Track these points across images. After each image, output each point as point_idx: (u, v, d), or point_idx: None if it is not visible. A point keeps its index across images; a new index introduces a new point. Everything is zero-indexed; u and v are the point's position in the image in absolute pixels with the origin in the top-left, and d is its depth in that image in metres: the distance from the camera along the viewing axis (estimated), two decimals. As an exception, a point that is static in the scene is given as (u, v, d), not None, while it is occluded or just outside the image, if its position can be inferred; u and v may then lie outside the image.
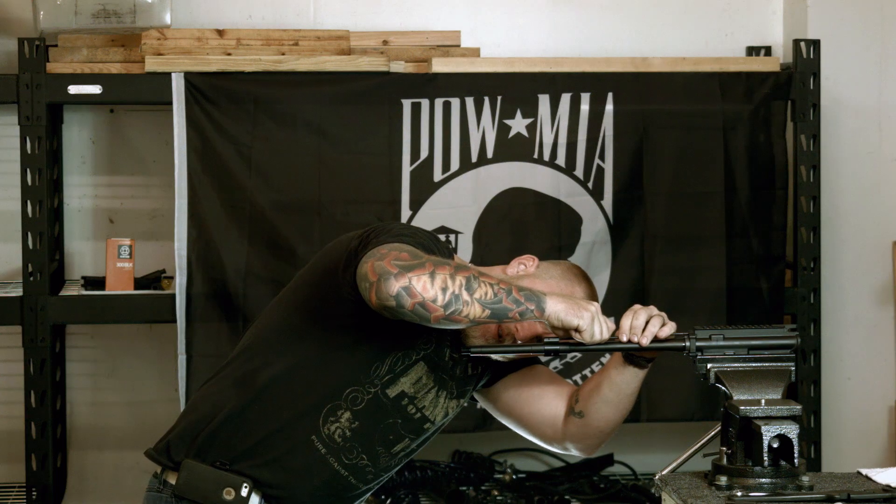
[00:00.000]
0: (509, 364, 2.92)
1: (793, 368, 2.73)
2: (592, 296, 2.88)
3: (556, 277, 2.86)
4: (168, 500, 2.74)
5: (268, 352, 2.77)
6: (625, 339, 2.73)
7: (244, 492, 2.71)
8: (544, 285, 2.81)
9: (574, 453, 2.98)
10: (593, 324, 2.67)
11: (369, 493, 2.87)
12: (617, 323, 2.76)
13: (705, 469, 2.74)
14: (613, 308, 4.40)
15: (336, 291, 2.71)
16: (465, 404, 2.95)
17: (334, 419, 2.73)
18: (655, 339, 2.73)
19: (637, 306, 2.77)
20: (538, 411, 2.94)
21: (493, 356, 2.82)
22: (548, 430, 2.95)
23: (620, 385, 2.85)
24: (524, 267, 2.86)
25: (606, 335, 2.70)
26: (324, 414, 2.73)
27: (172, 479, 2.75)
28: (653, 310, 2.76)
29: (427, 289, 2.54)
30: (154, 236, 4.59)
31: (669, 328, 2.75)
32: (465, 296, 2.57)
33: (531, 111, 4.30)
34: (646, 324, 2.74)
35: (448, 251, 2.77)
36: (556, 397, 2.94)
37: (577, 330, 2.67)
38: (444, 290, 2.55)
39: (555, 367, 4.34)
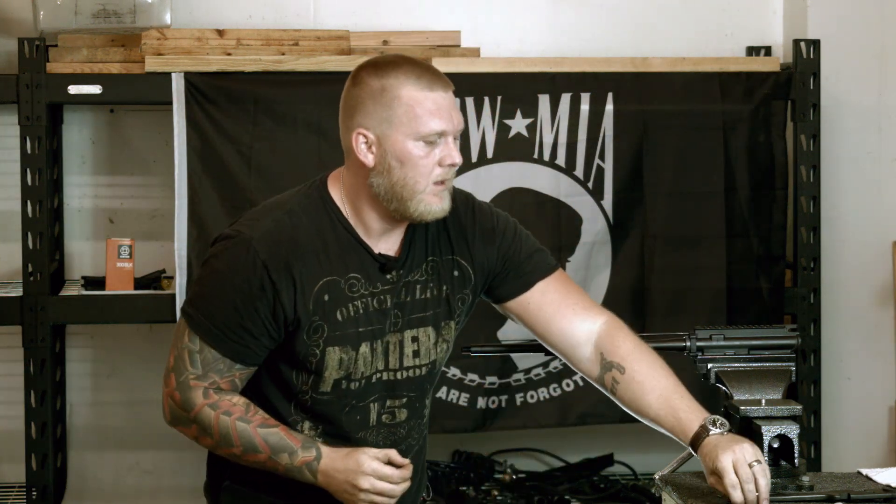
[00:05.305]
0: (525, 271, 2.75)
1: (793, 368, 2.73)
2: None
3: None
4: None
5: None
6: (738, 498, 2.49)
7: None
8: None
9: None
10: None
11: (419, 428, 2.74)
12: None
13: (705, 469, 2.73)
14: (614, 308, 4.39)
15: None
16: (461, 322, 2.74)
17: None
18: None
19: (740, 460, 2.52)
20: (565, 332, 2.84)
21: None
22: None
23: (661, 427, 2.80)
24: None
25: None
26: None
27: None
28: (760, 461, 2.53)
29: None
30: (154, 236, 4.58)
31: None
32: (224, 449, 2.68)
33: (531, 111, 4.30)
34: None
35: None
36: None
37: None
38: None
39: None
